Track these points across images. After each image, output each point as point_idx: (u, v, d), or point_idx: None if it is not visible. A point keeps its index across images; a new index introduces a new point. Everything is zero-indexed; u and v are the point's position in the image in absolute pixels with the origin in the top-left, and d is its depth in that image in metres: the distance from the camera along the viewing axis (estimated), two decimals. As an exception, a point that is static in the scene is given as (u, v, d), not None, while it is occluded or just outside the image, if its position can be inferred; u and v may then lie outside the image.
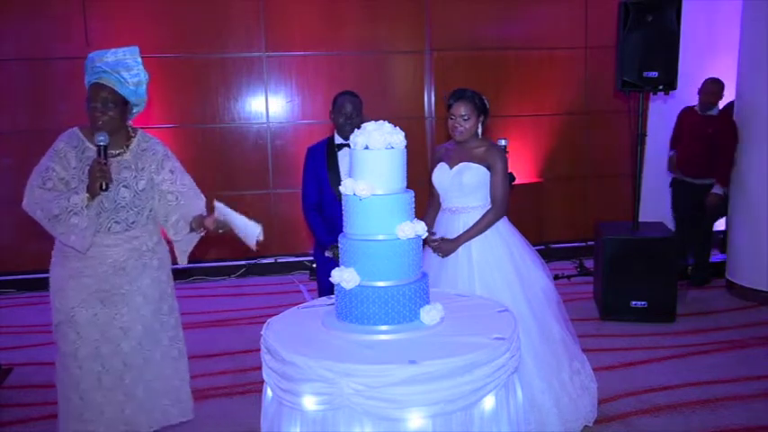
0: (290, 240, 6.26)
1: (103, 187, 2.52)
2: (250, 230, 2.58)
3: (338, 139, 3.47)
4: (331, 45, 6.19)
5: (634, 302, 4.60)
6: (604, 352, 4.07)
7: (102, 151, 2.52)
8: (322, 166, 3.45)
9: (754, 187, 4.99)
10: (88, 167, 2.56)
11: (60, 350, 2.72)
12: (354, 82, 5.98)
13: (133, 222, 2.72)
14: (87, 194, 2.52)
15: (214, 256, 6.14)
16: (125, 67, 2.62)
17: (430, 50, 6.24)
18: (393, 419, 1.81)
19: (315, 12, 6.14)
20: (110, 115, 2.61)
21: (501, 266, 2.97)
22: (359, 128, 2.20)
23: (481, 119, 3.03)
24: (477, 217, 3.02)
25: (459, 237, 3.00)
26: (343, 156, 3.42)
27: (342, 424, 1.83)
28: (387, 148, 2.13)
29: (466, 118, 2.98)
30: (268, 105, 6.20)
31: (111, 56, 2.61)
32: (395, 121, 2.28)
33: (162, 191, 2.78)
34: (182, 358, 2.96)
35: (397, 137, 2.16)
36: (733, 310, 4.85)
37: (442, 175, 3.09)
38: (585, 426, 3.06)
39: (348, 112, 3.40)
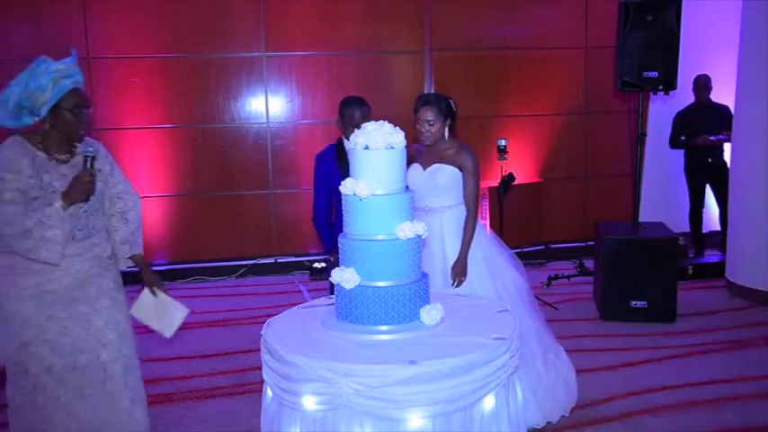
0: (290, 240, 6.25)
1: (87, 198, 2.48)
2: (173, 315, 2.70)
3: (348, 145, 3.44)
4: (331, 45, 6.18)
5: (634, 302, 4.60)
6: (604, 352, 4.06)
7: (91, 162, 2.47)
8: (335, 172, 3.41)
9: (753, 187, 4.98)
10: (64, 176, 2.46)
11: (29, 371, 2.51)
12: (354, 82, 5.98)
13: (93, 228, 2.59)
14: (62, 203, 2.42)
15: (214, 255, 6.15)
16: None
17: (430, 50, 6.24)
18: (393, 419, 1.81)
19: (315, 12, 6.13)
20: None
21: (473, 262, 3.06)
22: None
23: (448, 122, 3.08)
24: (452, 215, 3.12)
25: (461, 253, 3.05)
26: None
27: (342, 424, 1.84)
28: (387, 148, 2.14)
29: (432, 123, 3.03)
30: (268, 105, 6.19)
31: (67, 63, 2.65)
32: (395, 121, 2.28)
33: (113, 193, 2.69)
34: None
35: (397, 137, 2.17)
36: (733, 310, 4.84)
37: (417, 176, 3.14)
38: (578, 421, 3.09)
39: (357, 123, 3.29)
